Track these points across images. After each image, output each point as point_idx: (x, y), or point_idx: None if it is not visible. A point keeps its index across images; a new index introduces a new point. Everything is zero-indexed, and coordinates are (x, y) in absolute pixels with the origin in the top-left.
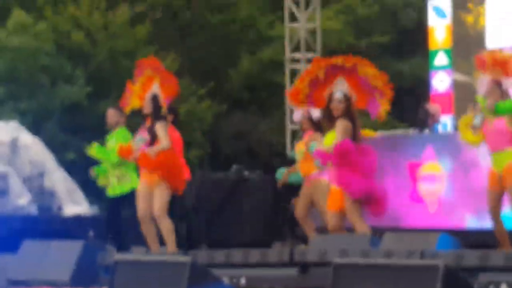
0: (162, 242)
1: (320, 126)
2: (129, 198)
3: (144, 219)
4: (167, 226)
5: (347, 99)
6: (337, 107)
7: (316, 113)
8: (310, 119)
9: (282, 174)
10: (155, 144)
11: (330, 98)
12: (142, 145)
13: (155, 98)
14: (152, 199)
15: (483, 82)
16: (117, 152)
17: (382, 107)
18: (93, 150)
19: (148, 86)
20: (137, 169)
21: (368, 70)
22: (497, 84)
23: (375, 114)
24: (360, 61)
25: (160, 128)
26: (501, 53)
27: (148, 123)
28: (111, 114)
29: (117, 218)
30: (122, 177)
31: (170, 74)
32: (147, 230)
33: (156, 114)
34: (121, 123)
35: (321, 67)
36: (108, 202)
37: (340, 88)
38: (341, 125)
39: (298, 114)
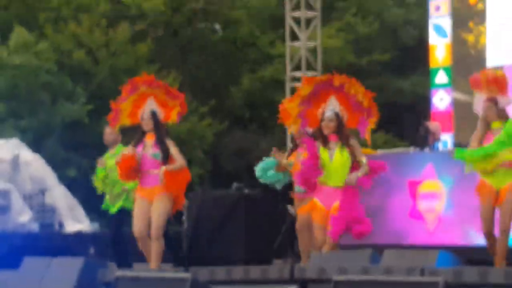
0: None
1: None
2: (127, 215)
3: (142, 236)
4: (161, 246)
5: (338, 117)
6: (328, 125)
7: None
8: (305, 133)
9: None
10: (169, 161)
11: (322, 117)
12: (158, 162)
13: (154, 115)
14: (149, 216)
15: (479, 101)
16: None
17: (368, 127)
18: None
19: (141, 103)
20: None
21: (356, 89)
22: (493, 103)
23: (363, 133)
24: (348, 80)
25: (173, 146)
26: (494, 72)
27: (149, 139)
28: (109, 132)
29: (117, 235)
30: (113, 198)
31: (173, 89)
32: (147, 248)
33: (160, 130)
34: (119, 141)
35: (310, 85)
36: (109, 219)
37: (332, 107)
38: (358, 144)
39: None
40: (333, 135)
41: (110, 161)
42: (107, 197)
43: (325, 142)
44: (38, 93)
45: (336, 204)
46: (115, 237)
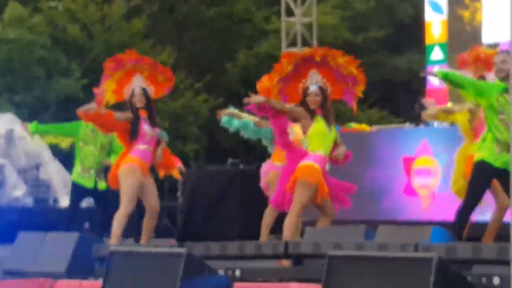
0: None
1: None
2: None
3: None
4: (156, 221)
5: (322, 91)
6: (314, 100)
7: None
8: None
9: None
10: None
11: (306, 92)
12: (157, 140)
13: (146, 91)
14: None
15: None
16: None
17: (356, 94)
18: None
19: (127, 80)
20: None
21: (339, 60)
22: (481, 80)
23: (351, 102)
24: (330, 52)
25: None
26: (482, 49)
27: (143, 115)
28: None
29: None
30: (86, 170)
31: (160, 64)
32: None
33: (151, 108)
34: None
35: (290, 62)
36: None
37: (315, 81)
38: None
39: None
40: (318, 109)
41: (104, 139)
42: (78, 168)
43: (313, 115)
44: (33, 68)
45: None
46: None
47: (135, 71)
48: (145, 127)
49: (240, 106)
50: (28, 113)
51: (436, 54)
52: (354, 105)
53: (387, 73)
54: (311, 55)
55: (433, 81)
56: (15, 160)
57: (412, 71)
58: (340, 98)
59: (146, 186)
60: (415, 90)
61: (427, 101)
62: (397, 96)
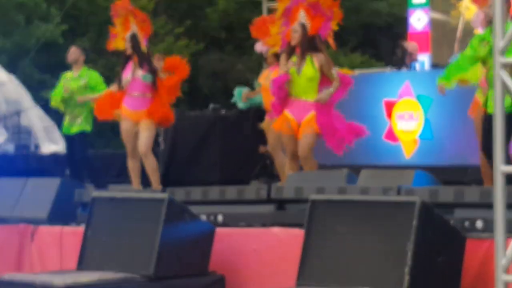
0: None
1: None
2: (80, 138)
3: (133, 155)
4: (152, 163)
5: (302, 28)
6: (293, 36)
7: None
8: (274, 53)
9: (241, 93)
10: (157, 82)
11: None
12: (146, 84)
13: (132, 38)
14: (136, 136)
15: (478, 16)
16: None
17: (329, 30)
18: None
19: (127, 27)
20: (92, 111)
21: None
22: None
23: (324, 37)
24: None
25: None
26: None
27: (135, 61)
28: (71, 51)
29: (74, 157)
30: (73, 118)
31: (142, 13)
32: (133, 167)
33: (140, 52)
34: (81, 60)
35: (282, 3)
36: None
37: (301, 21)
38: (326, 58)
39: (260, 46)
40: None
41: (74, 84)
42: (67, 118)
43: (291, 53)
44: (12, 14)
45: (309, 116)
46: (82, 160)
47: (129, 17)
48: (125, 75)
49: (221, 51)
50: (8, 59)
51: None
52: (329, 39)
53: (368, 17)
54: None
55: (415, 25)
56: None
57: (393, 15)
58: (316, 33)
59: (139, 130)
60: (397, 34)
61: (409, 44)
62: (378, 40)
